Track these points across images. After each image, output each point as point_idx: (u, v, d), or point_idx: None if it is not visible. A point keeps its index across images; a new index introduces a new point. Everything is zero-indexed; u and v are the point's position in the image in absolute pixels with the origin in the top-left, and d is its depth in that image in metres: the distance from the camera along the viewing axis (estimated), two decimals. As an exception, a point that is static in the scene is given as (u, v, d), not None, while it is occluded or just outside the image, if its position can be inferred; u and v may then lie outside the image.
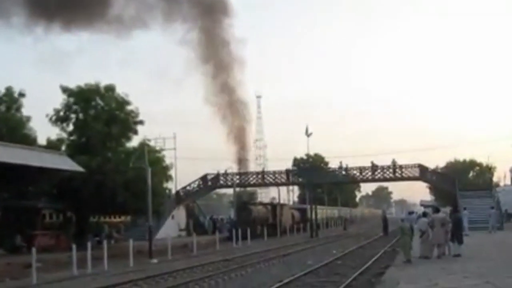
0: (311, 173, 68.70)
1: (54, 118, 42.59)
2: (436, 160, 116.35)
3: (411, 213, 45.55)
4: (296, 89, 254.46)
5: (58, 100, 42.93)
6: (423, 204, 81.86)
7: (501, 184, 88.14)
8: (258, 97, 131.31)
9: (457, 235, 23.87)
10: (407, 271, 19.42)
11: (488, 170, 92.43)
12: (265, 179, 63.38)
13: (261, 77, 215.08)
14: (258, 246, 40.69)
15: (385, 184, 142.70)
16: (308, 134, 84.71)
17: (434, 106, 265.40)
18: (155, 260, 31.49)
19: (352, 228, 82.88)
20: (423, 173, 59.76)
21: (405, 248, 23.06)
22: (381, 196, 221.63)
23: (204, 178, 61.53)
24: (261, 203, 64.94)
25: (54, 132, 44.22)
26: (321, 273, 22.33)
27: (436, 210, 25.60)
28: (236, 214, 56.45)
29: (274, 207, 63.75)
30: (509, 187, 78.84)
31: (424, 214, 26.33)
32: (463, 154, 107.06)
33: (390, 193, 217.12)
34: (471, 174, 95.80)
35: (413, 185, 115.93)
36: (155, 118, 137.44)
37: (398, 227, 31.10)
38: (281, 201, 74.90)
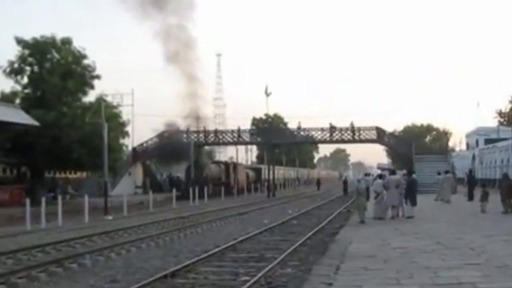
0: (269, 133, 68.70)
1: (8, 70, 41.55)
2: (394, 124, 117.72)
3: (367, 174, 45.94)
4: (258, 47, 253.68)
5: (13, 52, 41.92)
6: (380, 167, 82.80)
7: (457, 149, 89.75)
8: (218, 55, 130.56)
9: (410, 197, 24.19)
10: (360, 231, 19.67)
11: (444, 135, 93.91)
12: (223, 138, 63.14)
13: (222, 34, 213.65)
14: (215, 205, 40.74)
15: (343, 146, 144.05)
16: (267, 94, 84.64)
17: (395, 70, 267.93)
18: (110, 217, 31.27)
19: (308, 189, 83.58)
20: (381, 136, 60.27)
21: (360, 209, 23.31)
22: (339, 158, 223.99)
23: (161, 135, 60.84)
24: (213, 162, 64.64)
25: (8, 85, 43.24)
26: (276, 232, 22.47)
27: (392, 173, 25.88)
28: (186, 172, 56.00)
29: (227, 166, 63.59)
30: (464, 152, 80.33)
31: (380, 176, 26.57)
32: (421, 119, 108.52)
33: (348, 155, 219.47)
34: (428, 138, 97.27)
35: (371, 148, 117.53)
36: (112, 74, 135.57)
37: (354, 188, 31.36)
38: (240, 161, 75.12)
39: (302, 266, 13.97)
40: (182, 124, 59.03)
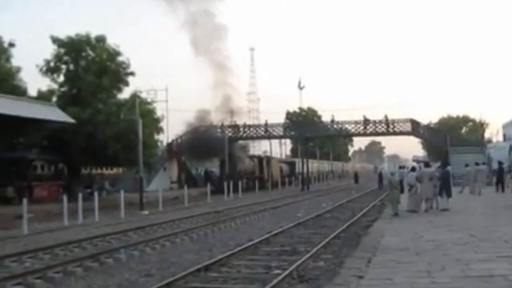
0: (302, 126, 68.58)
1: (44, 69, 42.33)
2: (429, 116, 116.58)
3: (402, 167, 45.68)
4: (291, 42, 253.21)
5: (49, 50, 42.66)
6: (415, 159, 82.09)
7: (494, 140, 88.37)
8: (252, 49, 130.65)
9: (445, 189, 24.02)
10: (393, 224, 19.61)
11: (480, 126, 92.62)
12: (256, 132, 63.25)
13: (255, 28, 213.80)
14: (249, 199, 40.96)
15: (378, 139, 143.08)
16: (300, 87, 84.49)
17: (431, 60, 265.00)
18: (146, 212, 31.69)
19: (343, 182, 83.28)
20: (415, 128, 59.82)
21: (393, 202, 23.22)
22: (374, 151, 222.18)
23: (194, 130, 61.07)
24: (248, 156, 64.77)
25: (44, 83, 44.03)
26: (310, 225, 22.54)
27: (426, 165, 25.68)
28: (220, 167, 56.23)
29: (260, 160, 63.62)
30: (500, 144, 79.06)
31: (413, 169, 26.41)
32: (457, 110, 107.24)
33: (383, 148, 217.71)
34: (464, 130, 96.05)
35: (406, 141, 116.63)
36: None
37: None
38: (274, 155, 75.07)
39: (335, 259, 14.02)
40: (213, 115, 59.33)
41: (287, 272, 12.17)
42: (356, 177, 76.90)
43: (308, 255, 14.31)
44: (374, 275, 10.76)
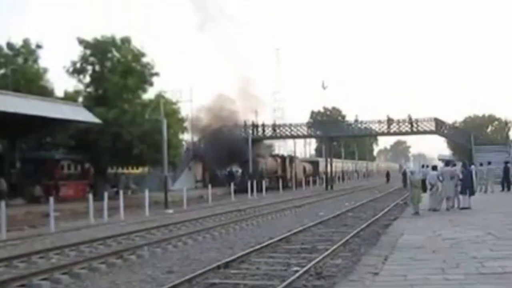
0: (327, 126, 68.59)
1: (71, 70, 43.09)
2: (454, 115, 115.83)
3: (423, 166, 45.49)
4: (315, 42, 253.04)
5: (75, 52, 43.40)
6: (441, 158, 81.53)
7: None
8: (277, 49, 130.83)
9: (468, 188, 24.07)
10: (413, 223, 19.76)
11: (505, 125, 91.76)
12: (280, 131, 63.47)
13: (281, 29, 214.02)
14: (272, 198, 41.24)
15: (403, 138, 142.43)
16: (324, 87, 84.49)
17: (457, 61, 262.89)
18: (170, 211, 32.12)
19: (367, 181, 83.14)
20: (439, 127, 59.59)
21: (414, 201, 23.34)
22: (399, 150, 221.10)
23: (217, 132, 61.45)
24: (270, 155, 64.89)
25: (71, 84, 44.83)
26: (331, 224, 22.77)
27: (446, 164, 25.73)
28: (242, 166, 56.49)
29: (283, 159, 63.71)
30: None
31: (434, 167, 26.45)
32: (483, 109, 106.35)
33: (409, 147, 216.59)
34: (489, 129, 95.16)
35: (431, 140, 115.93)
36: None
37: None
38: (298, 154, 75.06)
39: (353, 257, 14.25)
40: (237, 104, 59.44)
41: (305, 269, 12.45)
42: (388, 176, 75.80)
43: (327, 252, 14.58)
44: (389, 272, 10.99)
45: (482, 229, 16.66)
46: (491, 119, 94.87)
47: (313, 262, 13.16)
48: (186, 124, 49.38)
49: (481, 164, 36.69)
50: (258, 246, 16.08)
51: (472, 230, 16.57)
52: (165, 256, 15.54)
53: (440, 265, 11.34)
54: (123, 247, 16.92)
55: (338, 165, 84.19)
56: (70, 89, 44.47)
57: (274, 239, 17.53)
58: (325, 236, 18.66)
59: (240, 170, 61.93)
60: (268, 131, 62.79)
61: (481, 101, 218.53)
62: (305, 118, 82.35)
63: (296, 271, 12.32)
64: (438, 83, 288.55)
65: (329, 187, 58.55)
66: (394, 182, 66.78)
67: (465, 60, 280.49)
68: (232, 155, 55.00)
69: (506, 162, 37.18)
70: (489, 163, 36.33)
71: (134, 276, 12.89)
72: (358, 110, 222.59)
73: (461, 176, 24.11)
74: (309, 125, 68.06)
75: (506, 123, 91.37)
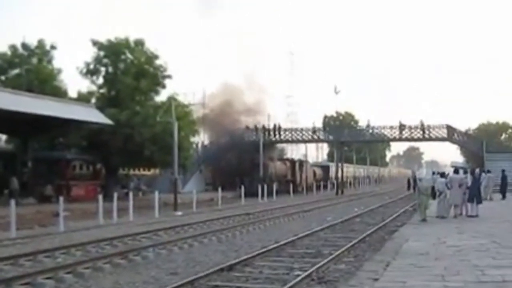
0: (338, 131, 68.45)
1: (84, 71, 43.38)
2: (468, 122, 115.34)
3: (434, 173, 45.41)
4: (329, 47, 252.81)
5: (89, 53, 43.72)
6: (454, 165, 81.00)
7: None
8: (291, 53, 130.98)
9: (475, 196, 24.02)
10: (419, 230, 19.78)
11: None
12: (292, 136, 63.45)
13: (295, 33, 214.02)
14: (282, 202, 41.30)
15: (416, 144, 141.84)
16: (336, 92, 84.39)
17: (470, 68, 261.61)
18: (179, 213, 32.25)
19: (378, 187, 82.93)
20: (451, 134, 59.43)
21: (421, 207, 23.34)
22: (412, 156, 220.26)
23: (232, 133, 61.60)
24: (279, 159, 64.74)
25: (84, 85, 45.12)
26: (338, 229, 22.81)
27: (455, 171, 25.70)
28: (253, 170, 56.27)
29: (293, 163, 63.55)
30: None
31: (442, 175, 26.42)
32: (497, 117, 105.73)
33: (421, 153, 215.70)
34: (503, 136, 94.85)
35: (444, 146, 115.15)
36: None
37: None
38: (310, 159, 74.93)
39: (356, 262, 14.30)
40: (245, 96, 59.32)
41: (307, 273, 12.52)
42: (408, 183, 73.51)
43: (330, 257, 14.63)
44: (388, 278, 11.05)
45: (487, 237, 16.67)
46: (505, 126, 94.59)
47: (316, 267, 13.22)
48: (197, 126, 49.46)
49: (489, 171, 36.63)
50: (263, 250, 16.16)
51: (477, 238, 16.58)
52: (170, 258, 15.66)
53: (441, 272, 11.38)
54: (129, 247, 17.06)
55: (350, 170, 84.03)
56: (84, 90, 44.83)
57: (280, 243, 17.59)
58: (330, 241, 18.72)
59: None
60: (282, 135, 62.65)
61: (495, 109, 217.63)
62: (318, 122, 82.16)
63: (298, 275, 12.40)
64: (454, 89, 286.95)
65: (339, 192, 58.48)
66: (403, 188, 66.52)
67: (482, 67, 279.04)
68: (242, 164, 54.65)
69: (503, 170, 37.31)
70: (489, 171, 36.41)
71: (137, 276, 13.01)
72: (370, 115, 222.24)
73: (469, 184, 24.12)
74: (315, 129, 67.56)
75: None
